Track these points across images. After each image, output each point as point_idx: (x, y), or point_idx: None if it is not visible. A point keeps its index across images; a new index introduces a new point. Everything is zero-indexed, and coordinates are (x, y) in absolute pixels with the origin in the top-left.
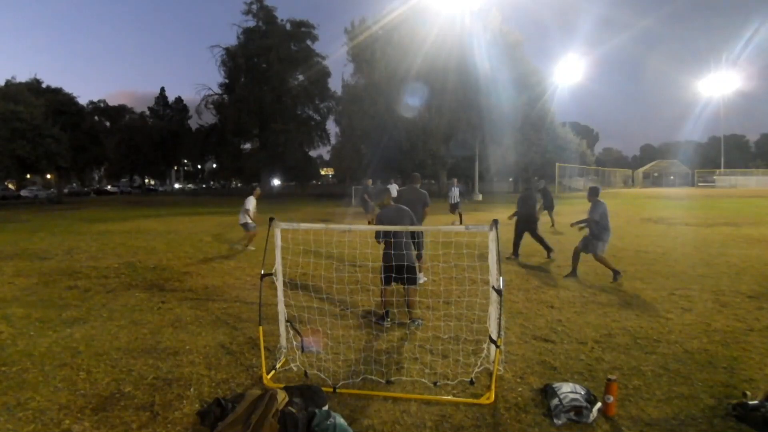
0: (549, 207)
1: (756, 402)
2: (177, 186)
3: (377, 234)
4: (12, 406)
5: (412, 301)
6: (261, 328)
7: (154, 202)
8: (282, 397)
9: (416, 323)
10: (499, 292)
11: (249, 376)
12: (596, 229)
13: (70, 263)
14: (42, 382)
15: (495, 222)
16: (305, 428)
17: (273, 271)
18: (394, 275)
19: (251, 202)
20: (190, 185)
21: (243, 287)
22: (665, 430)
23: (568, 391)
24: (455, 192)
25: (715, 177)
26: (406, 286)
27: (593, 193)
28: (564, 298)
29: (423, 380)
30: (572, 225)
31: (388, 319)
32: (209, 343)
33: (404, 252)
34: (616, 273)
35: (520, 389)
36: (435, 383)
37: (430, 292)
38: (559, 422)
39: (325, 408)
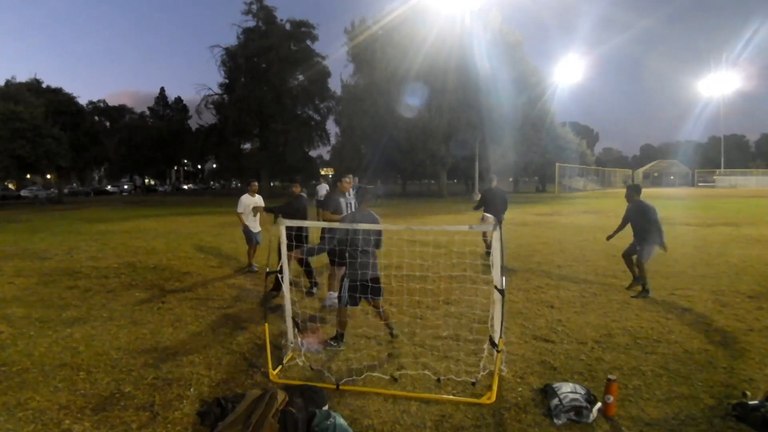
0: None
1: (756, 402)
2: (185, 187)
3: (335, 245)
4: (12, 406)
5: (385, 312)
6: (267, 325)
7: (154, 202)
8: (282, 397)
9: (395, 332)
10: (501, 292)
11: (249, 375)
12: (652, 230)
13: (70, 263)
14: (42, 382)
15: (498, 222)
16: (305, 428)
17: (278, 268)
18: (359, 293)
19: (242, 204)
20: (190, 185)
21: (243, 287)
22: (665, 430)
23: (568, 391)
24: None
25: (715, 177)
26: (372, 299)
27: (637, 192)
28: (564, 298)
29: (423, 380)
30: (609, 238)
31: (343, 342)
32: (209, 343)
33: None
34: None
35: (520, 389)
36: (438, 379)
37: (430, 291)
38: (559, 422)
39: (325, 408)
